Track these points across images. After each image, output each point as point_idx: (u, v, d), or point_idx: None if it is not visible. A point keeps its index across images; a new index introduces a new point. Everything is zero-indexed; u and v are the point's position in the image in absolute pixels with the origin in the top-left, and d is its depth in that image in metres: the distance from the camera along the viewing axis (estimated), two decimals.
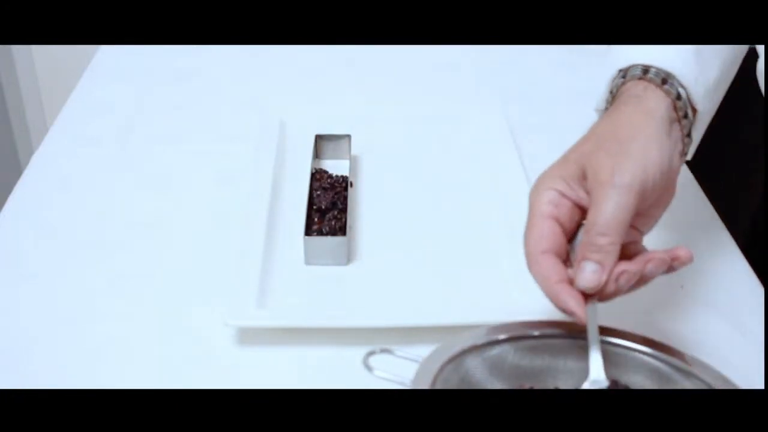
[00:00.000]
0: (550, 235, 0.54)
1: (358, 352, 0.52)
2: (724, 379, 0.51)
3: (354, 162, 0.83)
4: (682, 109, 0.59)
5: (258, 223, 0.73)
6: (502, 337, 0.54)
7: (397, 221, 0.77)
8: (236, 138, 0.88)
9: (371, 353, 0.52)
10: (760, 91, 0.70)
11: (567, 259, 0.55)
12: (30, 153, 0.90)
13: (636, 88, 0.59)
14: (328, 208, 0.74)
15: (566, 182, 0.55)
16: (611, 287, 0.53)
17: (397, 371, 0.51)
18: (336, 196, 0.75)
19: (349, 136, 0.83)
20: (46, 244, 0.74)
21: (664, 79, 0.58)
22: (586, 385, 0.52)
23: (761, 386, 0.58)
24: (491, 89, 0.99)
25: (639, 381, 0.53)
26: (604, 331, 0.54)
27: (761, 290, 0.69)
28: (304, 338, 0.64)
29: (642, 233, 0.58)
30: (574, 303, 0.52)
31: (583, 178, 0.55)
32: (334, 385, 0.58)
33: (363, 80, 1.01)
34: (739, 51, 0.65)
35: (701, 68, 0.60)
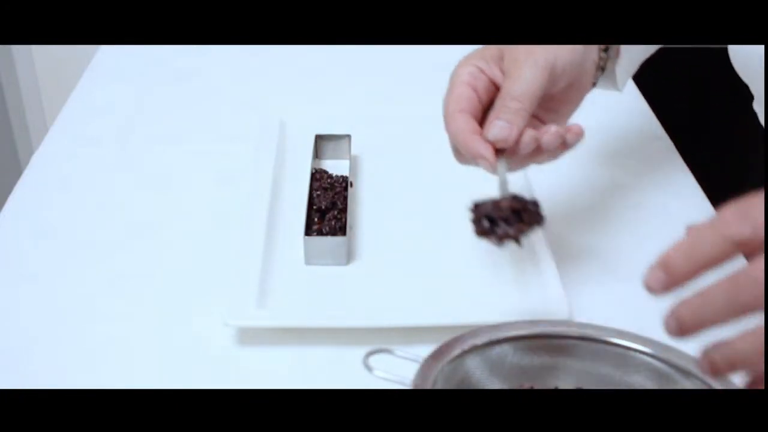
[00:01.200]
0: (467, 98, 0.61)
1: (358, 352, 0.52)
2: (724, 380, 0.51)
3: (354, 162, 0.83)
4: None
5: (258, 223, 0.73)
6: (502, 337, 0.54)
7: (397, 221, 0.77)
8: (236, 138, 0.88)
9: (371, 353, 0.52)
10: (751, 91, 0.71)
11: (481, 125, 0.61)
12: (30, 153, 0.90)
13: None
14: (328, 208, 0.74)
15: (486, 61, 0.62)
16: (517, 147, 0.59)
17: (397, 371, 0.51)
18: (336, 196, 0.75)
19: (349, 136, 0.83)
20: (46, 244, 0.74)
21: None
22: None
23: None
24: None
25: (639, 381, 0.53)
26: (604, 331, 0.54)
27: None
28: (304, 338, 0.64)
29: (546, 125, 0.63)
30: (484, 148, 0.59)
31: (500, 59, 0.62)
32: (334, 385, 0.58)
33: (363, 80, 1.02)
34: None
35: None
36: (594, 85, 0.68)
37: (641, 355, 0.54)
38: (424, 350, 0.52)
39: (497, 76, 0.62)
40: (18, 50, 1.81)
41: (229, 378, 0.61)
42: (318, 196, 0.75)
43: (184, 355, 0.63)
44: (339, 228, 0.72)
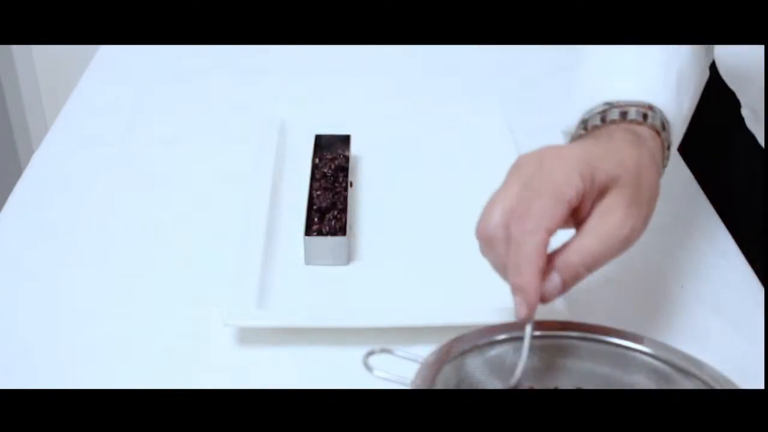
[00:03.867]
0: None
1: (358, 352, 0.52)
2: (724, 379, 0.51)
3: (354, 162, 0.83)
4: (666, 140, 0.60)
5: (258, 223, 0.73)
6: (502, 337, 0.54)
7: (397, 221, 0.77)
8: (236, 138, 0.88)
9: (371, 353, 0.52)
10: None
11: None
12: (30, 153, 0.90)
13: (642, 130, 0.59)
14: (328, 208, 0.74)
15: (584, 182, 0.53)
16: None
17: (397, 371, 0.51)
18: (336, 196, 0.75)
19: (349, 136, 0.83)
20: (46, 244, 0.74)
21: (663, 125, 0.60)
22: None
23: (761, 386, 0.58)
24: (491, 89, 0.99)
25: (639, 381, 0.53)
26: (605, 331, 0.54)
27: (761, 290, 0.69)
28: (304, 338, 0.64)
29: None
30: (534, 291, 0.52)
31: (593, 184, 0.53)
32: (334, 385, 0.58)
33: (363, 80, 1.02)
34: (704, 77, 0.68)
35: (680, 100, 0.62)
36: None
37: (641, 355, 0.54)
38: (424, 350, 0.52)
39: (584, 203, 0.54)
40: (18, 50, 1.81)
41: (229, 378, 0.61)
42: (318, 196, 0.75)
43: (184, 355, 0.63)
44: (339, 228, 0.72)
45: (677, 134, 0.63)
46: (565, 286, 0.53)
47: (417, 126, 0.89)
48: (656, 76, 0.63)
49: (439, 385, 0.49)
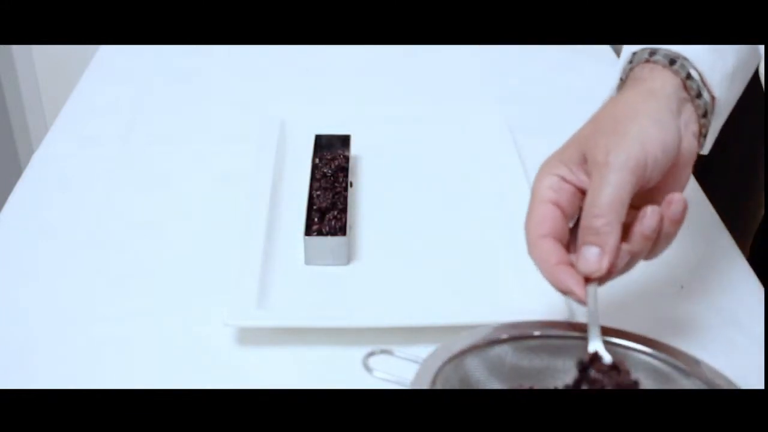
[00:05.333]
0: (549, 219, 0.54)
1: (358, 352, 0.52)
2: (724, 379, 0.51)
3: (354, 162, 0.83)
4: (693, 89, 0.57)
5: (258, 223, 0.73)
6: (501, 337, 0.54)
7: (397, 221, 0.77)
8: (236, 138, 0.88)
9: (371, 354, 0.52)
10: (761, 90, 0.70)
11: (569, 244, 0.54)
12: (30, 153, 0.90)
13: (642, 71, 0.58)
14: (328, 208, 0.74)
15: (567, 167, 0.54)
16: (613, 268, 0.52)
17: (397, 372, 0.51)
18: (336, 196, 0.75)
19: (349, 136, 0.83)
20: (46, 244, 0.74)
21: (672, 60, 0.57)
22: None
23: (761, 386, 0.58)
24: (491, 89, 0.99)
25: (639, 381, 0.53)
26: (605, 331, 0.54)
27: (761, 290, 0.69)
28: (304, 338, 0.64)
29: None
30: (574, 282, 0.52)
31: (583, 161, 0.54)
32: (334, 385, 0.58)
33: (363, 80, 1.02)
34: (755, 49, 0.63)
35: (717, 56, 0.58)
36: (700, 152, 0.60)
37: (641, 355, 0.54)
38: (424, 350, 0.52)
39: (583, 181, 0.54)
40: (18, 50, 1.81)
41: (229, 378, 0.61)
42: (318, 196, 0.75)
43: (184, 355, 0.63)
44: (339, 228, 0.72)
45: (720, 87, 0.59)
46: (603, 251, 0.52)
47: (417, 126, 0.89)
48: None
49: (439, 385, 0.49)
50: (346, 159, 0.80)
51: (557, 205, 0.54)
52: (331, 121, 0.87)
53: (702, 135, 0.58)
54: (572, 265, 0.53)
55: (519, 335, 0.54)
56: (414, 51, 1.05)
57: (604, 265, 0.52)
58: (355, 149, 0.84)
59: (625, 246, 0.53)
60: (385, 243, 0.74)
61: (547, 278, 0.53)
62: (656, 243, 0.54)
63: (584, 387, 0.50)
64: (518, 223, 0.74)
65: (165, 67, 1.04)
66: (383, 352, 0.53)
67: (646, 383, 0.53)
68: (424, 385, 0.49)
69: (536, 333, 0.55)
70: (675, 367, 0.53)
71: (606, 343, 0.54)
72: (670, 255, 0.72)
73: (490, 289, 0.69)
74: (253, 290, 0.65)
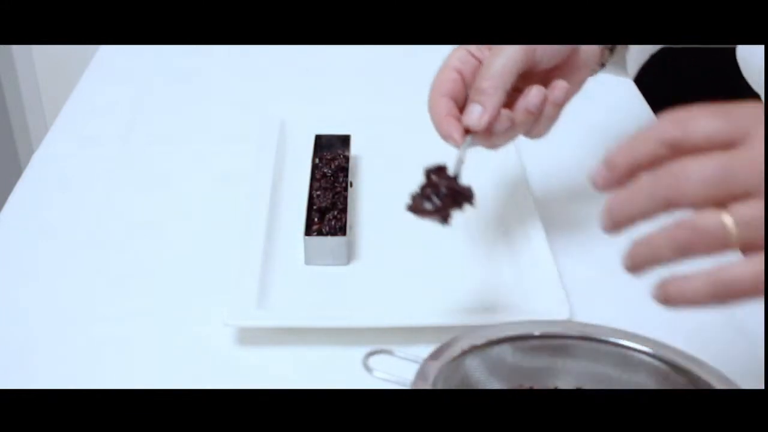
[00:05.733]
0: (451, 82, 0.63)
1: (358, 352, 0.52)
2: (724, 379, 0.51)
3: (354, 162, 0.83)
4: None
5: (258, 223, 0.73)
6: (502, 337, 0.54)
7: (397, 221, 0.76)
8: (236, 138, 0.88)
9: (371, 353, 0.52)
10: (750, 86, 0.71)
11: (465, 106, 0.62)
12: (30, 153, 0.90)
13: None
14: (328, 208, 0.74)
15: (478, 46, 0.64)
16: (492, 128, 0.61)
17: (397, 372, 0.51)
18: (336, 196, 0.75)
19: (349, 136, 0.83)
20: (46, 244, 0.74)
21: None
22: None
23: (761, 386, 0.58)
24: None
25: (639, 381, 0.53)
26: (604, 331, 0.54)
27: None
28: (304, 338, 0.64)
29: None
30: (455, 129, 0.61)
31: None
32: (334, 386, 0.58)
33: (363, 80, 1.02)
34: None
35: None
36: (600, 69, 0.69)
37: (641, 355, 0.54)
38: (424, 350, 0.52)
39: (486, 56, 0.63)
40: (18, 50, 1.81)
41: (229, 378, 0.61)
42: (318, 196, 0.75)
43: (184, 355, 0.63)
44: (339, 228, 0.72)
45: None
46: (485, 109, 0.60)
47: (417, 126, 0.89)
48: None
49: (440, 385, 0.49)
50: (346, 159, 0.80)
51: (460, 73, 0.63)
52: (331, 121, 0.87)
53: (608, 48, 0.68)
54: (459, 119, 0.62)
55: (519, 335, 0.54)
56: (414, 51, 1.04)
57: (484, 121, 0.60)
58: (355, 149, 0.84)
59: (507, 112, 0.61)
60: (385, 243, 0.74)
61: (436, 127, 0.63)
62: (538, 122, 0.63)
63: (426, 190, 0.59)
64: (518, 224, 0.74)
65: (165, 67, 1.04)
66: (383, 352, 0.53)
67: (646, 383, 0.53)
68: (424, 385, 0.49)
69: (536, 333, 0.55)
70: (675, 367, 0.53)
71: (606, 343, 0.54)
72: None
73: (490, 289, 0.69)
74: (253, 290, 0.65)
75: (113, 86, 1.00)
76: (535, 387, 0.54)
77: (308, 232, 0.71)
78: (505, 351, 0.54)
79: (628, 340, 0.54)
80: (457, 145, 0.61)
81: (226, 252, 0.71)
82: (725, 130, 0.43)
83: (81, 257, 0.72)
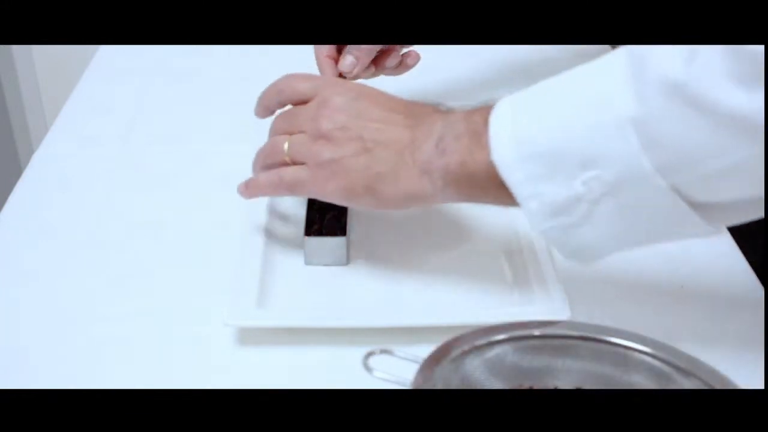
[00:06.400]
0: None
1: (358, 352, 0.52)
2: (724, 379, 0.51)
3: None
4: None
5: (258, 223, 0.73)
6: (502, 337, 0.54)
7: (397, 221, 0.77)
8: (236, 138, 0.88)
9: (371, 354, 0.52)
10: None
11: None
12: (30, 153, 0.90)
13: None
14: (328, 208, 0.73)
15: None
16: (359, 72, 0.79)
17: (397, 372, 0.51)
18: None
19: None
20: (46, 244, 0.74)
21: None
22: None
23: (761, 386, 0.58)
24: (491, 90, 0.99)
25: (639, 381, 0.53)
26: (605, 331, 0.54)
27: (761, 290, 0.69)
28: (304, 338, 0.64)
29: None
30: (329, 68, 0.78)
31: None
32: (333, 386, 0.58)
33: (363, 80, 1.01)
34: None
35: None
36: None
37: (641, 355, 0.54)
38: (424, 350, 0.52)
39: None
40: (18, 50, 1.81)
41: (229, 378, 0.61)
42: None
43: (184, 355, 0.63)
44: (339, 228, 0.72)
45: None
46: (358, 64, 0.78)
47: None
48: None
49: (440, 385, 0.49)
50: None
51: None
52: None
53: None
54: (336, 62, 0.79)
55: (519, 335, 0.54)
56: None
57: (356, 71, 0.78)
58: None
59: (372, 67, 0.81)
60: (385, 243, 0.74)
61: (318, 65, 0.79)
62: (396, 71, 0.83)
63: None
64: (519, 224, 0.74)
65: (165, 67, 1.04)
66: (383, 352, 0.53)
67: (646, 383, 0.53)
68: (424, 385, 0.49)
69: (536, 333, 0.55)
70: (675, 367, 0.53)
71: (606, 343, 0.54)
72: (670, 255, 0.72)
73: (490, 289, 0.69)
74: (253, 290, 0.65)
75: (113, 86, 1.00)
76: (535, 387, 0.54)
77: (308, 232, 0.71)
78: (505, 351, 0.54)
79: (628, 340, 0.54)
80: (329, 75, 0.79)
81: (226, 252, 0.71)
82: (308, 90, 0.66)
83: (81, 257, 0.72)
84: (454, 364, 0.51)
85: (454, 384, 0.51)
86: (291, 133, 0.65)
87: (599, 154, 0.52)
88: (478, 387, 0.53)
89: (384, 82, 1.01)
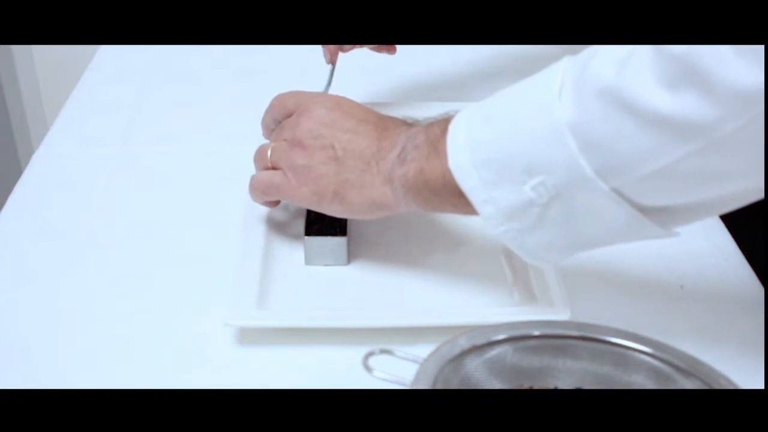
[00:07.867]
0: None
1: (358, 352, 0.52)
2: (724, 379, 0.51)
3: None
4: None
5: (258, 223, 0.73)
6: (501, 337, 0.54)
7: (397, 221, 0.77)
8: (236, 138, 0.88)
9: (371, 354, 0.52)
10: None
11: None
12: (30, 153, 0.90)
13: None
14: None
15: None
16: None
17: (397, 372, 0.51)
18: None
19: None
20: (46, 244, 0.74)
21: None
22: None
23: (761, 386, 0.58)
24: (491, 90, 0.99)
25: (639, 381, 0.53)
26: (605, 331, 0.54)
27: (761, 290, 0.69)
28: (304, 338, 0.64)
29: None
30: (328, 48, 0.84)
31: None
32: (334, 386, 0.58)
33: (363, 80, 1.01)
34: None
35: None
36: None
37: (641, 355, 0.54)
38: (424, 350, 0.52)
39: None
40: (18, 50, 1.81)
41: (229, 378, 0.61)
42: None
43: (184, 355, 0.63)
44: (339, 228, 0.72)
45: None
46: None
47: None
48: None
49: (440, 385, 0.49)
50: None
51: None
52: None
53: None
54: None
55: (519, 335, 0.54)
56: (414, 51, 1.04)
57: (351, 48, 0.85)
58: None
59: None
60: (385, 243, 0.74)
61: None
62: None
63: None
64: None
65: (165, 67, 1.04)
66: (383, 352, 0.53)
67: (646, 383, 0.53)
68: (425, 385, 0.49)
69: (536, 333, 0.55)
70: (675, 367, 0.53)
71: (606, 343, 0.54)
72: (670, 255, 0.72)
73: (490, 289, 0.69)
74: (253, 290, 0.65)
75: (113, 86, 1.00)
76: (535, 387, 0.54)
77: (308, 232, 0.71)
78: (505, 351, 0.54)
79: (628, 340, 0.54)
80: (327, 62, 0.85)
81: (226, 252, 0.71)
82: (292, 104, 0.71)
83: (81, 257, 0.72)
84: (454, 364, 0.51)
85: (454, 384, 0.51)
86: (276, 141, 0.70)
87: (542, 160, 0.54)
88: (478, 387, 0.53)
89: (384, 81, 1.02)
